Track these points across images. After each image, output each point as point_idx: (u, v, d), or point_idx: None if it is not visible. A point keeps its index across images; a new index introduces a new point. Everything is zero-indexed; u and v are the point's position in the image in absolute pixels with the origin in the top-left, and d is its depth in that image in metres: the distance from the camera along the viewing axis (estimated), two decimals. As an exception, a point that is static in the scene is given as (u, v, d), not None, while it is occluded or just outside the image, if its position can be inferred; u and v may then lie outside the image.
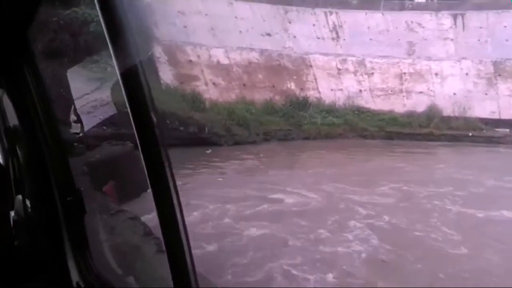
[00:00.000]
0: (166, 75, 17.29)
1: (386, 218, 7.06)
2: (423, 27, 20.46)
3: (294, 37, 20.55)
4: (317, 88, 18.69)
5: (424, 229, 6.63)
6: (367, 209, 7.44)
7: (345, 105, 17.21)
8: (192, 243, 1.01)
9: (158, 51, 17.83)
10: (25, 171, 1.79)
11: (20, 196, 1.87)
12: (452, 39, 20.05)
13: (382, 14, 21.18)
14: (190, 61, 18.00)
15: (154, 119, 1.06)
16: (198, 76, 17.81)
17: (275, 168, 10.29)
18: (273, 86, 18.44)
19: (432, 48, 19.86)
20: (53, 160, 1.69)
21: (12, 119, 1.79)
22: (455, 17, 20.55)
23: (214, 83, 17.67)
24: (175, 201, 1.03)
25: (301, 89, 18.43)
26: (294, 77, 19.07)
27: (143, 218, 3.94)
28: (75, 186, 1.74)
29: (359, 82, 18.99)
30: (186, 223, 0.98)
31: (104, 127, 12.97)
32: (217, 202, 7.49)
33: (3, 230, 1.75)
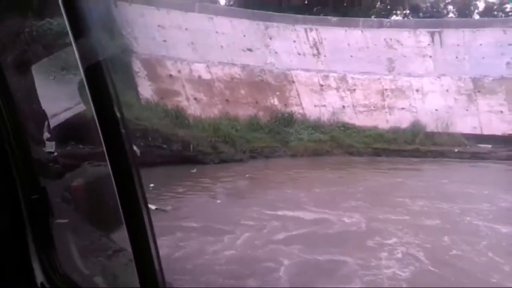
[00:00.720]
0: (146, 90, 16.50)
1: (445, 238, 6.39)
2: (402, 44, 20.45)
3: (276, 52, 20.15)
4: (301, 104, 18.23)
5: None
6: (402, 229, 6.76)
7: (329, 121, 16.78)
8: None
9: (137, 66, 17.05)
10: None
11: None
12: (430, 56, 20.09)
13: (362, 31, 21.09)
14: (171, 75, 17.29)
15: (119, 116, 1.02)
16: (179, 91, 17.10)
17: (272, 188, 9.59)
18: (256, 102, 17.89)
19: (412, 65, 19.82)
20: (16, 158, 1.60)
21: None
22: (432, 34, 20.63)
23: (195, 99, 16.98)
24: (142, 204, 1.00)
25: (285, 104, 17.94)
26: (277, 92, 18.57)
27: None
28: (40, 184, 1.66)
29: (342, 98, 18.67)
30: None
31: (81, 146, 12.08)
32: (235, 226, 6.66)
33: None
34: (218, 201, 8.60)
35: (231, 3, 27.04)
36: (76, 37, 1.00)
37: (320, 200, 8.60)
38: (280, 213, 7.52)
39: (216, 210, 7.83)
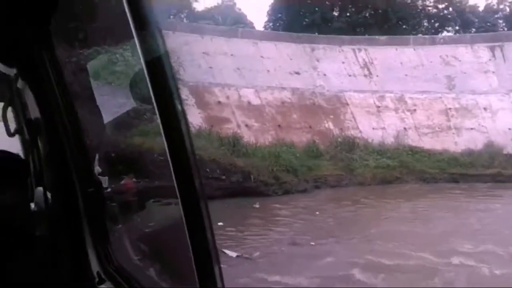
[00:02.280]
0: (195, 118, 15.37)
1: None
2: (460, 61, 18.65)
3: (324, 75, 18.74)
4: (358, 127, 16.57)
5: None
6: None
7: (394, 145, 14.98)
8: None
9: (185, 93, 16.05)
10: (45, 163, 1.70)
11: (40, 188, 1.82)
12: (493, 72, 18.14)
13: (414, 49, 19.45)
14: (219, 102, 16.12)
15: (179, 108, 0.98)
16: (229, 118, 15.86)
17: (354, 227, 7.90)
18: (310, 127, 16.36)
19: (474, 82, 17.92)
20: (73, 153, 1.62)
21: (34, 112, 1.71)
22: (492, 49, 18.75)
23: (246, 125, 15.65)
24: (201, 202, 0.96)
25: (341, 128, 16.32)
26: (331, 116, 17.01)
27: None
28: (95, 178, 1.67)
29: (402, 119, 16.89)
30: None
31: (134, 179, 10.83)
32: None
33: (24, 221, 1.66)
34: (312, 243, 6.96)
35: (271, 26, 26.20)
36: (138, 32, 0.99)
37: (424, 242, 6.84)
38: (388, 261, 5.81)
39: (307, 262, 6.18)
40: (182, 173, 0.97)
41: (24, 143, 2.33)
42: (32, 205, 1.84)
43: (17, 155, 2.21)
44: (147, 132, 10.86)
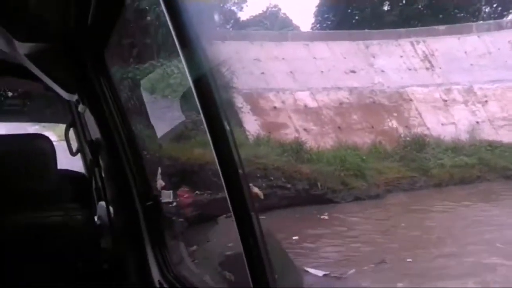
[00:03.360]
0: (251, 125, 14.86)
1: None
2: (533, 45, 16.84)
3: (382, 71, 17.56)
4: (425, 124, 15.28)
5: None
6: None
7: (468, 140, 13.60)
8: None
9: (239, 101, 15.59)
10: (107, 180, 1.82)
11: (102, 203, 1.94)
12: None
13: (478, 36, 17.84)
14: (275, 107, 15.48)
15: (226, 122, 1.03)
16: (286, 123, 15.18)
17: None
18: (372, 127, 15.29)
19: (551, 65, 16.07)
20: (132, 169, 1.71)
21: (94, 132, 1.83)
22: None
23: (305, 129, 14.88)
24: (248, 202, 1.01)
25: (406, 126, 15.12)
26: (394, 114, 15.83)
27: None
28: (153, 192, 1.78)
29: (473, 112, 15.41)
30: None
31: (198, 192, 10.38)
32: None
33: (91, 234, 1.77)
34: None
35: (318, 28, 25.34)
36: (182, 47, 1.03)
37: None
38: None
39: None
40: (232, 184, 1.01)
41: (85, 161, 2.53)
42: (95, 219, 1.95)
43: (80, 173, 2.42)
44: (206, 143, 10.42)
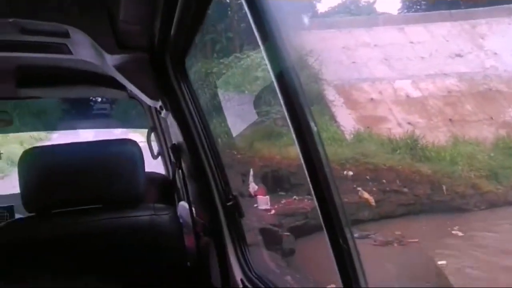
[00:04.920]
0: (346, 120, 13.35)
1: None
2: None
3: (495, 53, 15.11)
4: (559, 113, 12.70)
5: None
6: None
7: None
8: None
9: (331, 94, 14.20)
10: (188, 181, 1.92)
11: (182, 203, 2.11)
12: None
13: None
14: (372, 99, 13.81)
15: (310, 117, 1.00)
16: (386, 116, 13.43)
17: None
18: (491, 118, 13.02)
19: None
20: (212, 170, 1.80)
21: (176, 136, 1.93)
22: None
23: (409, 123, 13.02)
24: (336, 198, 0.97)
25: (534, 116, 12.67)
26: (517, 101, 13.40)
27: None
28: (232, 193, 1.83)
29: None
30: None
31: (296, 197, 9.13)
32: None
33: (176, 232, 1.83)
34: None
35: (409, 10, 23.10)
36: (264, 41, 1.01)
37: None
38: None
39: None
40: (319, 185, 0.98)
41: (166, 164, 2.88)
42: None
43: (163, 175, 2.75)
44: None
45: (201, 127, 1.85)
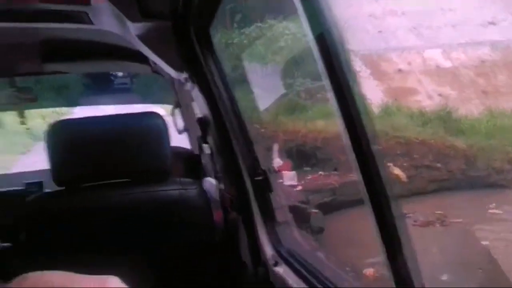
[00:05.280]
0: (373, 91, 12.92)
1: None
2: None
3: (531, 21, 14.28)
4: None
5: None
6: None
7: None
8: None
9: (357, 65, 13.74)
10: (216, 156, 1.90)
11: (208, 178, 2.08)
12: None
13: None
14: (400, 70, 13.31)
15: (354, 84, 0.91)
16: (415, 87, 12.96)
17: None
18: (528, 89, 12.44)
19: None
20: (240, 145, 1.77)
21: (202, 110, 1.90)
22: None
23: (440, 94, 12.52)
24: (382, 173, 0.92)
25: None
26: (556, 72, 12.74)
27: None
28: (261, 167, 1.80)
29: None
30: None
31: (322, 172, 8.91)
32: None
33: (204, 207, 1.81)
34: None
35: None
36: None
37: None
38: None
39: None
40: (366, 162, 0.91)
41: (192, 139, 2.80)
42: None
43: (190, 150, 2.75)
44: (328, 114, 8.89)
45: (228, 100, 1.81)
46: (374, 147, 0.96)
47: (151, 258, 1.70)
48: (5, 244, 3.13)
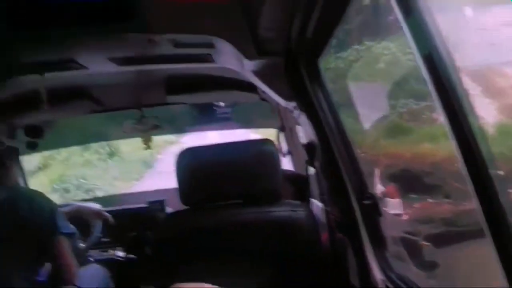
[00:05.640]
0: (486, 110, 11.88)
1: None
2: None
3: None
4: None
5: None
6: None
7: None
8: None
9: (465, 82, 12.81)
10: (322, 179, 1.96)
11: (314, 200, 2.16)
12: None
13: None
14: (516, 85, 12.15)
15: (465, 103, 0.89)
16: (536, 104, 11.69)
17: None
18: None
19: None
20: (347, 169, 1.79)
21: (308, 135, 1.98)
22: None
23: None
24: (502, 200, 0.85)
25: None
26: None
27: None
28: (369, 191, 1.81)
29: None
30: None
31: (430, 200, 8.38)
32: None
33: (312, 229, 1.85)
34: None
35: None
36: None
37: None
38: None
39: None
40: (483, 187, 0.86)
41: (295, 161, 3.04)
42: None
43: (297, 173, 2.78)
44: (435, 136, 8.31)
45: (335, 125, 1.87)
46: (493, 172, 0.89)
47: (263, 275, 1.79)
48: (131, 256, 3.50)
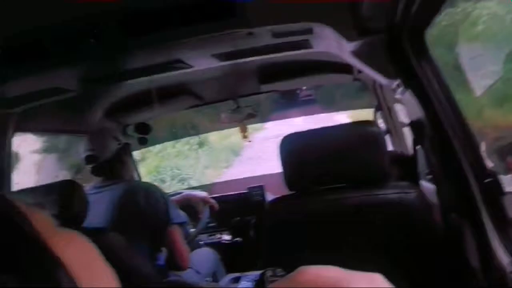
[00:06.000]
0: None
1: None
2: None
3: None
4: None
5: None
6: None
7: None
8: None
9: None
10: (433, 158, 1.86)
11: (423, 181, 2.10)
12: None
13: None
14: None
15: None
16: None
17: None
18: None
19: None
20: (462, 145, 1.67)
21: (414, 113, 1.87)
22: None
23: None
24: None
25: None
26: None
27: None
28: (488, 169, 1.66)
29: None
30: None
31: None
32: None
33: (424, 211, 1.81)
34: None
35: None
36: None
37: None
38: None
39: None
40: None
41: (394, 140, 2.98)
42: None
43: (403, 153, 2.71)
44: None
45: (446, 99, 1.75)
46: None
47: (378, 257, 1.68)
48: (237, 239, 3.71)
